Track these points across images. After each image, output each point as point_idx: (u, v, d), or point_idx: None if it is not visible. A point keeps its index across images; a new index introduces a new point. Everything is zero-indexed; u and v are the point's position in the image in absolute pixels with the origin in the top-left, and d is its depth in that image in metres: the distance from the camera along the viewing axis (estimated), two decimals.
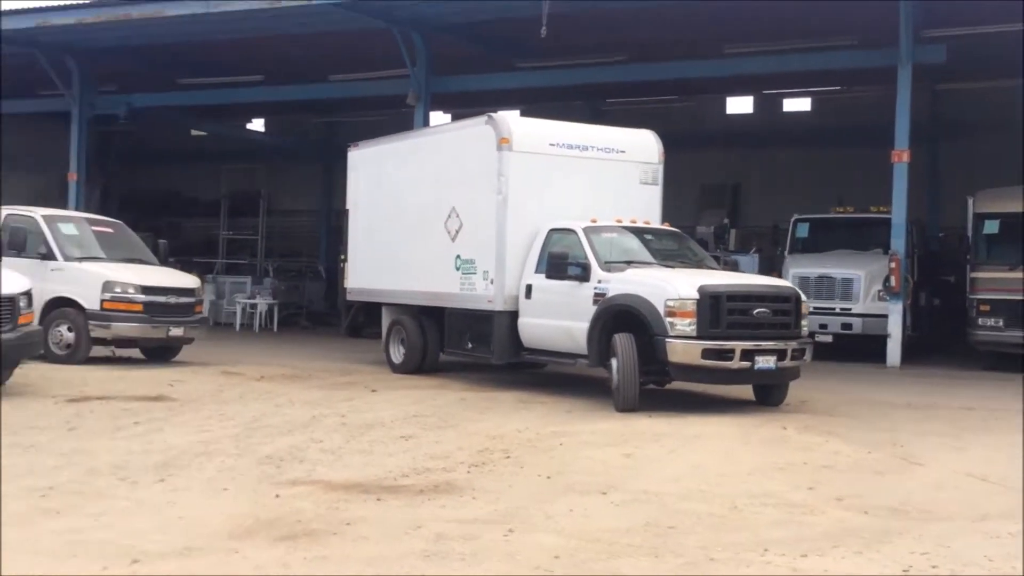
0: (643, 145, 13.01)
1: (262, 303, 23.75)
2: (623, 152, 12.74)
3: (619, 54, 20.89)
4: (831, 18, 18.21)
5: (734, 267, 12.26)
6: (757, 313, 10.31)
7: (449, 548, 5.28)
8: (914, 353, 17.18)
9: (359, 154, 16.00)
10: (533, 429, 9.06)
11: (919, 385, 13.72)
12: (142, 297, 13.71)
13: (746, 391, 11.15)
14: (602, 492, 6.62)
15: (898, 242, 16.37)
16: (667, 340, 9.97)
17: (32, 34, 20.86)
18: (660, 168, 12.96)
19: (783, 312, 10.57)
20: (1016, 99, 23.34)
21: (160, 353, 14.57)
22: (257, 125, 32.54)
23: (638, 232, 12.07)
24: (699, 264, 11.79)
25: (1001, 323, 15.90)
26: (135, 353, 14.77)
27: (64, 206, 21.74)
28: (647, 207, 12.68)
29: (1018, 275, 15.88)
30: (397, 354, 13.97)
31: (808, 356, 10.72)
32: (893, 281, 16.38)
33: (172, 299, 14.10)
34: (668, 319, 10.00)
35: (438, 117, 25.13)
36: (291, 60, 23.26)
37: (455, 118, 25.54)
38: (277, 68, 23.92)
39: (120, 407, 10.01)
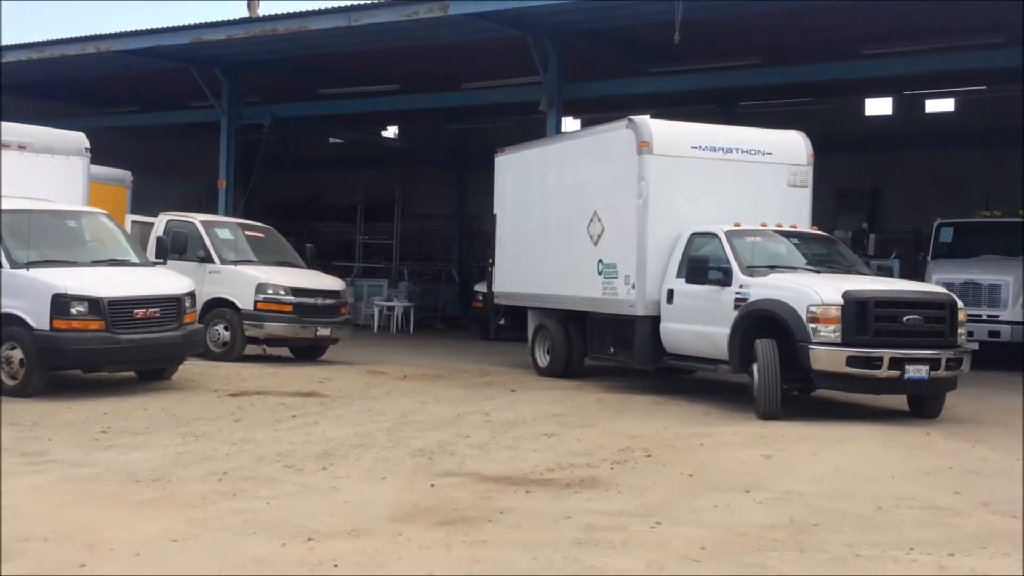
0: (791, 146, 12.85)
1: (399, 306, 24.49)
2: (770, 154, 12.60)
3: (753, 57, 20.73)
4: (974, 15, 17.69)
5: (888, 273, 11.74)
6: (907, 320, 9.99)
7: (600, 537, 5.53)
8: None
9: (505, 159, 16.21)
10: (672, 430, 9.24)
11: None
12: (292, 299, 14.46)
13: (899, 401, 10.83)
14: (745, 490, 6.77)
15: None
16: (810, 347, 9.80)
17: (186, 49, 22.09)
18: (809, 170, 12.77)
19: (936, 319, 10.18)
20: None
21: (308, 352, 15.31)
22: (391, 132, 33.53)
23: (783, 236, 11.92)
24: (849, 269, 11.50)
25: None
26: (284, 352, 15.56)
27: (213, 211, 22.94)
28: (795, 210, 12.51)
29: None
30: (542, 358, 14.12)
31: (966, 366, 10.34)
32: None
33: (319, 300, 14.81)
34: (811, 325, 9.82)
35: (570, 123, 25.45)
36: (425, 69, 23.92)
37: (586, 124, 25.82)
38: (411, 77, 24.64)
39: (277, 401, 10.65)
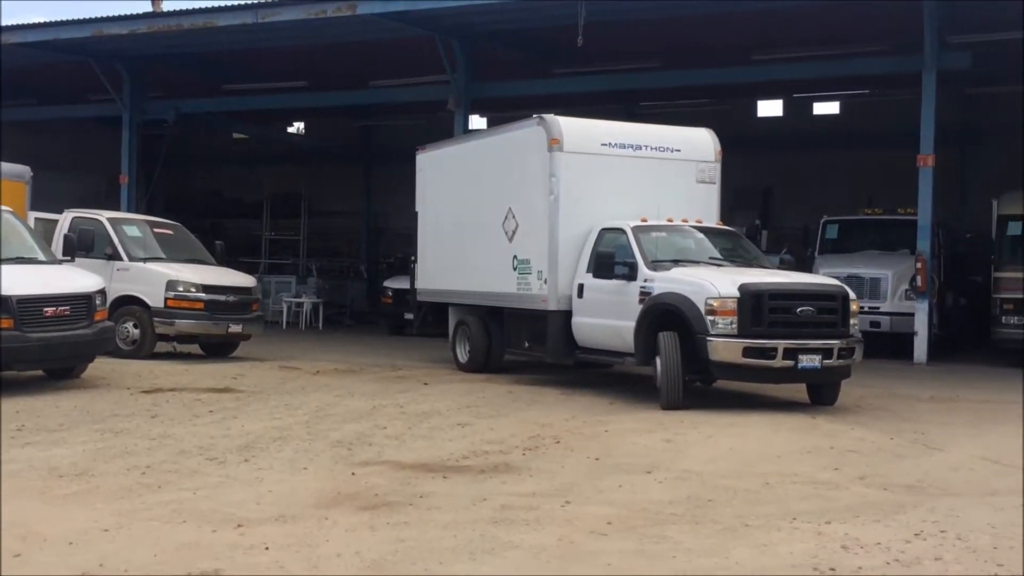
0: (699, 144, 13.09)
1: (307, 302, 24.59)
2: (678, 151, 12.82)
3: (653, 60, 21.49)
4: (858, 24, 18.73)
5: (791, 267, 12.24)
6: (801, 311, 10.30)
7: (514, 516, 5.97)
8: (940, 350, 17.66)
9: (425, 157, 16.29)
10: (579, 418, 9.75)
11: (943, 380, 14.24)
12: (203, 296, 14.55)
13: (799, 392, 11.18)
14: (647, 471, 7.30)
15: (924, 243, 16.87)
16: (708, 339, 10.05)
17: (86, 43, 21.75)
18: (717, 167, 13.03)
19: (829, 311, 10.51)
20: None
21: (219, 349, 15.41)
22: (298, 128, 33.43)
23: (689, 231, 12.14)
24: (751, 263, 11.75)
25: None
26: (195, 349, 15.60)
27: (114, 208, 22.66)
28: (704, 206, 12.74)
29: None
30: (463, 353, 14.28)
31: (858, 355, 10.66)
32: (919, 281, 16.88)
33: (231, 297, 14.94)
34: (709, 317, 10.08)
35: (476, 122, 25.86)
36: (333, 66, 24.05)
37: (492, 123, 26.27)
38: (319, 74, 24.71)
39: (192, 397, 10.81)
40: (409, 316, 21.76)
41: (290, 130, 33.11)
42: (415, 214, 24.86)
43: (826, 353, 10.26)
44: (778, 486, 6.90)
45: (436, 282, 15.52)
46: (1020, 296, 16.48)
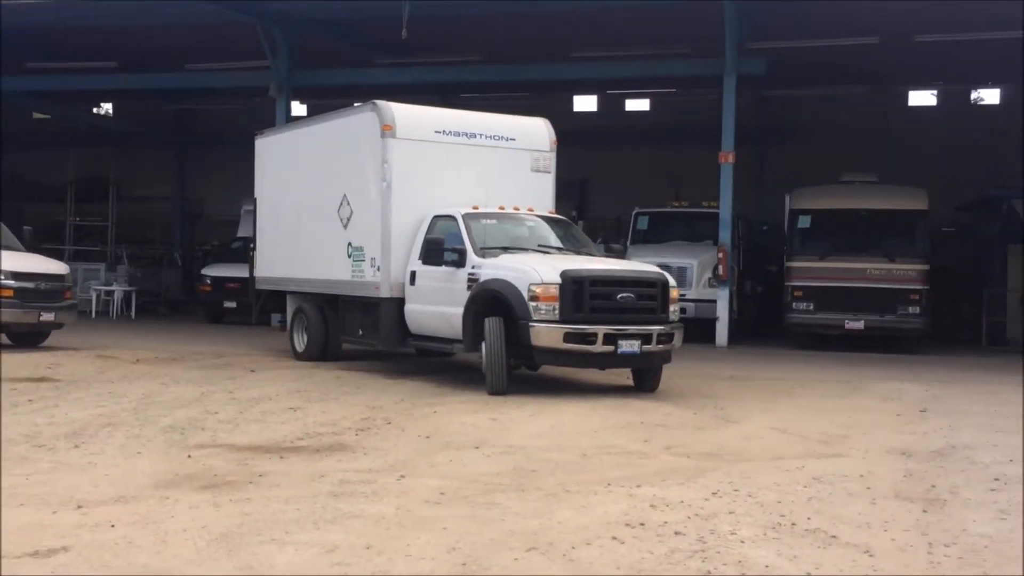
0: (534, 133, 13.19)
1: (118, 290, 23.78)
2: (513, 140, 12.90)
3: (474, 54, 22.06)
4: (666, 28, 19.90)
5: (619, 255, 12.31)
6: (621, 298, 10.51)
7: (352, 489, 6.30)
8: (740, 334, 19.09)
9: (264, 142, 15.97)
10: (409, 401, 10.12)
11: (741, 361, 15.47)
12: (13, 283, 13.99)
13: (624, 378, 11.49)
14: (475, 447, 7.76)
15: (725, 235, 18.17)
16: (530, 324, 10.17)
17: None
18: (552, 156, 13.16)
19: (648, 297, 10.73)
20: (831, 107, 25.95)
21: (29, 338, 14.85)
22: (107, 109, 32.11)
23: (520, 219, 12.24)
24: (579, 251, 11.86)
25: (812, 307, 17.92)
26: (2, 339, 14.96)
27: None
28: (538, 194, 12.85)
29: (827, 264, 17.95)
30: (300, 341, 14.10)
31: (678, 341, 10.92)
32: (721, 270, 18.17)
33: (42, 285, 14.41)
34: (532, 303, 10.20)
35: (298, 110, 25.69)
36: (147, 47, 23.33)
37: (312, 111, 26.17)
38: (131, 54, 23.91)
39: (7, 387, 10.47)
40: (229, 304, 21.65)
41: (97, 112, 31.76)
42: (238, 200, 24.50)
43: (645, 339, 10.51)
44: (595, 457, 7.51)
45: (274, 269, 15.29)
46: (809, 284, 18.02)
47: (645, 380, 11.21)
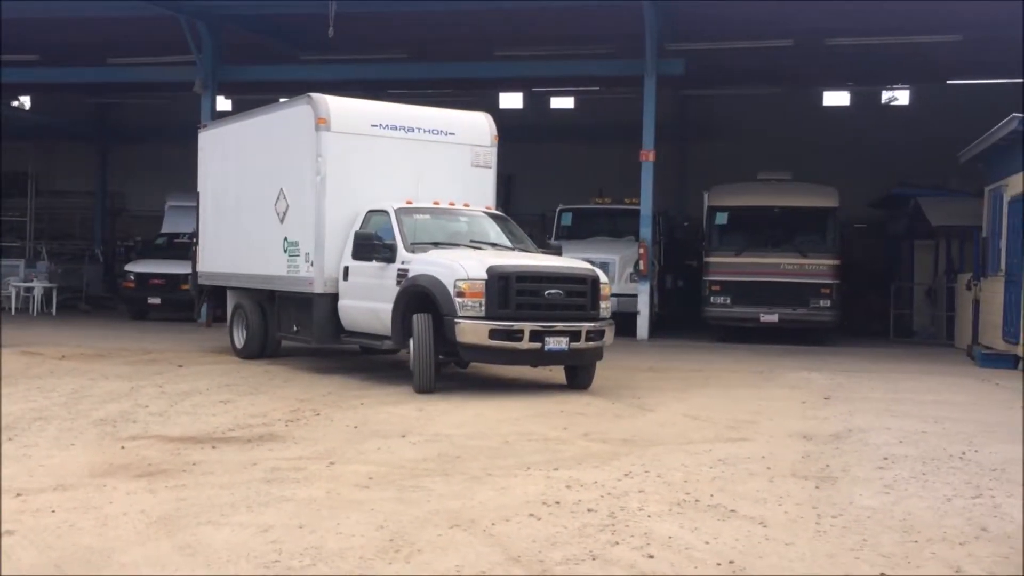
0: (475, 128, 13.02)
1: (38, 286, 23.46)
2: (453, 134, 12.74)
3: (401, 51, 22.30)
4: (589, 29, 20.39)
5: (558, 251, 12.35)
6: (549, 294, 10.39)
7: (284, 475, 6.60)
8: (661, 328, 19.67)
9: (207, 135, 15.64)
10: (336, 394, 10.41)
11: (661, 353, 16.02)
12: None
13: (558, 375, 11.49)
14: (401, 435, 8.10)
15: (646, 231, 18.72)
16: (456, 320, 10.09)
17: None
18: (493, 151, 13.03)
19: (578, 293, 10.64)
20: (749, 107, 26.79)
21: None
22: (24, 102, 31.50)
23: (454, 214, 12.09)
24: (515, 247, 11.76)
25: (729, 301, 18.58)
26: None
27: None
28: (479, 189, 12.72)
29: (743, 260, 18.63)
30: (240, 338, 13.92)
31: (609, 337, 10.84)
32: (642, 265, 18.72)
33: None
34: (457, 299, 10.11)
35: (223, 104, 25.58)
36: (68, 40, 23.05)
37: (238, 106, 26.10)
38: (50, 47, 23.57)
39: None
40: (153, 300, 21.55)
41: (14, 104, 31.11)
42: (161, 195, 24.28)
43: (574, 335, 10.41)
44: (516, 443, 7.91)
45: (216, 265, 15.08)
46: (726, 279, 18.68)
47: (577, 377, 11.14)
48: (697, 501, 6.15)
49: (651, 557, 5.02)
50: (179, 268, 20.72)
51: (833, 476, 6.97)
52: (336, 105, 12.32)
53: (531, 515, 5.73)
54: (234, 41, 21.33)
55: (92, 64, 23.71)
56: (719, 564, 4.94)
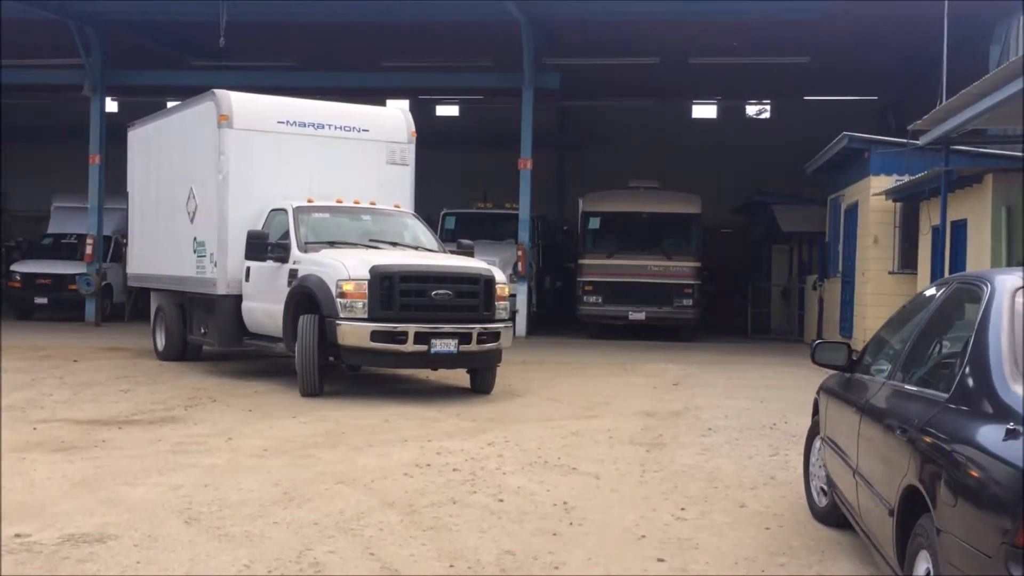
0: (390, 124, 12.78)
1: None
2: (367, 131, 12.44)
3: (290, 59, 23.01)
4: (472, 42, 21.52)
5: (470, 251, 11.98)
6: (436, 295, 10.10)
7: (188, 448, 7.49)
8: (539, 325, 20.89)
9: (134, 134, 15.31)
10: (229, 384, 11.26)
11: (536, 348, 17.18)
12: None
13: (463, 379, 11.27)
14: (292, 417, 9.05)
15: (523, 234, 19.92)
16: (337, 322, 9.84)
17: None
18: (410, 148, 12.79)
19: (469, 294, 10.31)
20: (623, 117, 28.38)
21: None
22: None
23: (356, 213, 11.81)
24: (419, 247, 11.51)
25: (600, 300, 19.94)
26: None
27: None
28: (395, 187, 12.46)
29: (613, 262, 20.02)
30: (160, 340, 13.75)
31: (505, 340, 10.50)
32: (520, 266, 19.92)
33: None
34: (340, 300, 9.86)
35: (111, 107, 25.81)
36: None
37: (123, 109, 26.36)
38: None
39: None
40: (40, 300, 21.71)
41: None
42: (47, 195, 24.35)
43: (463, 338, 10.07)
44: (395, 422, 8.94)
45: (140, 266, 15.00)
46: (597, 279, 20.04)
47: (478, 381, 10.85)
48: (546, 463, 7.30)
49: (501, 501, 6.14)
50: (66, 268, 21.10)
51: (663, 443, 8.23)
52: (240, 101, 12.05)
53: (405, 474, 6.79)
54: (125, 46, 21.69)
55: None
56: (555, 505, 6.08)
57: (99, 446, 7.59)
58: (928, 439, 3.52)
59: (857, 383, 5.10)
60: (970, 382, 3.50)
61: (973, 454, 3.15)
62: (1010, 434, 3.01)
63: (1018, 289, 3.71)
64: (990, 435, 3.11)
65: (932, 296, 4.78)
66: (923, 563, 3.45)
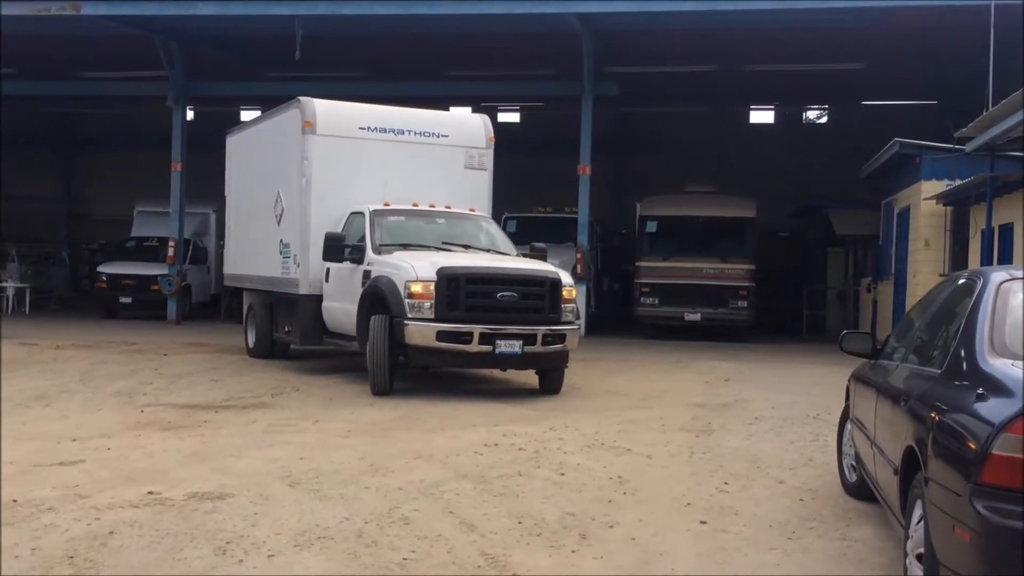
0: (469, 129, 12.99)
1: (11, 287, 24.74)
2: (446, 136, 12.68)
3: (360, 70, 24.04)
4: (534, 51, 22.31)
5: (543, 254, 12.09)
6: (501, 296, 10.24)
7: (281, 429, 8.36)
8: (597, 326, 21.55)
9: (232, 140, 15.92)
10: (310, 376, 12.15)
11: (595, 347, 17.64)
12: None
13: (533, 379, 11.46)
14: (370, 405, 9.89)
15: (583, 237, 20.62)
16: (405, 322, 10.08)
17: None
18: (489, 153, 12.99)
19: (535, 296, 10.43)
20: (681, 124, 28.93)
21: None
22: None
23: (430, 216, 12.00)
24: (490, 249, 11.65)
25: (657, 301, 20.56)
26: None
27: None
28: (472, 192, 12.65)
29: (670, 264, 20.63)
30: (251, 338, 14.19)
31: (571, 342, 10.58)
32: (579, 268, 20.61)
33: None
34: (408, 300, 10.11)
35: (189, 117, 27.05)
36: (42, 55, 24.37)
37: (199, 118, 27.60)
38: (23, 61, 24.87)
39: None
40: (125, 300, 22.98)
41: None
42: (129, 201, 25.68)
43: (528, 339, 10.19)
44: (463, 410, 9.72)
45: (234, 266, 15.54)
46: (654, 281, 20.67)
47: (546, 381, 11.00)
48: (603, 444, 8.02)
49: (562, 475, 6.88)
50: (149, 270, 22.35)
51: (712, 430, 8.89)
52: (323, 108, 12.42)
53: (475, 452, 7.56)
54: (204, 59, 22.88)
55: (61, 78, 25.08)
56: (611, 479, 6.81)
57: (201, 426, 8.48)
58: (922, 407, 4.19)
59: (879, 368, 5.76)
60: (957, 359, 4.17)
61: (953, 414, 3.83)
62: (979, 397, 3.69)
63: (1004, 282, 4.35)
64: (965, 398, 3.80)
65: (943, 289, 5.43)
66: (917, 511, 4.11)
